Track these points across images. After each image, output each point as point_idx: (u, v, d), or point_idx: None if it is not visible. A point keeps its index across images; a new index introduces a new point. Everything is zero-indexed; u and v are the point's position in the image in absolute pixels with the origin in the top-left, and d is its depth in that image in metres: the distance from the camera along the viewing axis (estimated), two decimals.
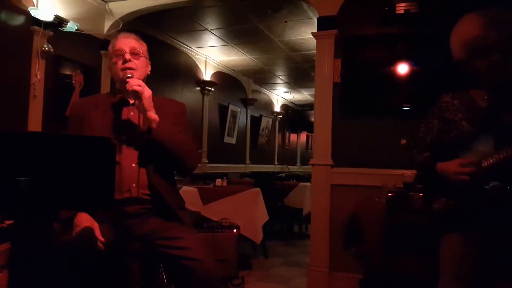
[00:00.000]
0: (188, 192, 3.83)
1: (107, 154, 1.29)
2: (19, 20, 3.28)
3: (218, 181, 4.34)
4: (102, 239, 1.54)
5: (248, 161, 7.98)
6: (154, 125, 1.67)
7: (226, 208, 3.84)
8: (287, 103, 10.38)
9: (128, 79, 1.68)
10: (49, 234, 1.95)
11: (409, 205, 2.61)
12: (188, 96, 5.97)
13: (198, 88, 6.27)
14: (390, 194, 2.69)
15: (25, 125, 3.33)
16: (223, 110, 7.02)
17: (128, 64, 1.74)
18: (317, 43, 3.44)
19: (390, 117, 3.17)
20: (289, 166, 8.83)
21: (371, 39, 3.27)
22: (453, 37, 1.58)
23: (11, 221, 2.01)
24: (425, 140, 1.76)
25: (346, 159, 3.29)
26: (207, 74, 6.41)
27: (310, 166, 3.47)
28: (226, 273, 3.17)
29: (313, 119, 3.50)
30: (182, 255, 1.63)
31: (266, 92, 9.08)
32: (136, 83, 1.66)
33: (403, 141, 3.02)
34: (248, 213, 3.92)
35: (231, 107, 7.20)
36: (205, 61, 6.38)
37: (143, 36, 1.91)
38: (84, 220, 1.58)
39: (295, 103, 10.75)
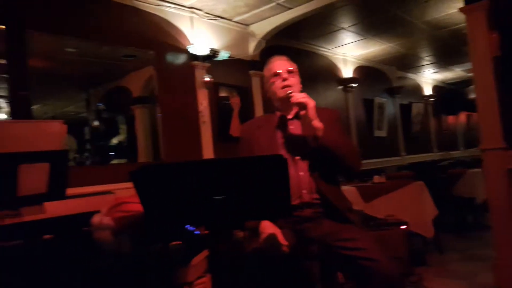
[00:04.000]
0: (348, 192, 3.86)
1: (281, 169, 1.44)
2: (182, 58, 3.83)
3: (376, 178, 4.27)
4: (286, 243, 1.70)
5: (403, 153, 7.61)
6: (320, 133, 1.77)
7: (390, 204, 3.76)
8: (438, 84, 9.57)
9: (291, 94, 1.84)
10: (240, 242, 2.24)
11: None
12: (331, 97, 6.03)
13: (340, 87, 6.29)
14: None
15: (199, 148, 3.85)
16: (368, 104, 6.88)
17: (286, 82, 1.91)
18: (467, 18, 3.15)
19: None
20: (450, 152, 8.13)
21: None
22: None
23: (207, 232, 2.35)
24: None
25: None
26: (347, 72, 6.39)
27: (476, 149, 3.18)
28: (400, 271, 3.11)
29: (471, 97, 3.20)
30: (358, 256, 1.67)
31: (412, 77, 8.56)
32: (300, 95, 1.81)
33: None
34: (415, 208, 3.77)
35: (376, 99, 7.01)
36: (344, 59, 6.36)
37: (282, 48, 2.09)
38: (267, 227, 1.76)
39: (447, 82, 9.84)
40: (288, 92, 1.86)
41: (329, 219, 1.84)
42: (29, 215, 1.68)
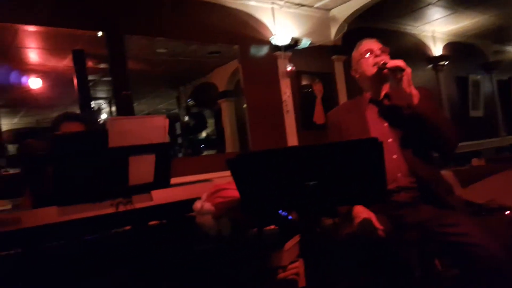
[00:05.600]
0: (443, 176, 3.67)
1: (376, 152, 1.42)
2: (265, 50, 3.90)
3: (475, 161, 3.99)
4: (381, 227, 1.67)
5: (503, 133, 6.98)
6: (416, 100, 1.71)
7: (491, 188, 3.48)
8: None
9: (386, 61, 1.79)
10: (330, 228, 2.24)
11: None
12: (420, 77, 5.72)
13: (430, 66, 5.94)
14: None
15: (284, 137, 3.90)
16: (462, 82, 6.40)
17: (379, 58, 1.86)
18: None
19: None
20: None
21: None
22: None
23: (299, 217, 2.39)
24: None
25: None
26: (437, 49, 6.01)
27: None
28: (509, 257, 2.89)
29: None
30: (461, 241, 1.60)
31: (511, 50, 7.77)
32: (397, 60, 1.75)
33: None
34: None
35: (471, 77, 6.50)
36: (432, 36, 5.99)
37: (366, 30, 2.04)
38: (361, 211, 1.74)
39: None
40: (382, 62, 1.81)
41: (427, 204, 1.78)
42: (139, 203, 1.84)
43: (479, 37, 6.71)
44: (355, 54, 1.99)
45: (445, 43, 6.16)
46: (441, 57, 5.97)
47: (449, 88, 6.13)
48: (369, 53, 1.90)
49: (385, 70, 1.80)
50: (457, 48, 6.41)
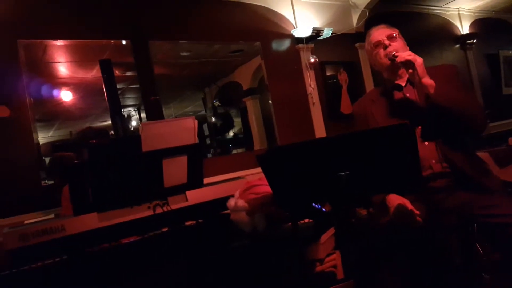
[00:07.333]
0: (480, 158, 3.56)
1: (409, 139, 1.39)
2: (287, 43, 3.89)
3: (511, 140, 3.85)
4: (417, 212, 1.64)
5: None
6: (431, 90, 1.68)
7: None
8: None
9: (396, 54, 1.77)
10: (364, 219, 2.23)
11: None
12: (449, 58, 5.56)
13: (457, 45, 5.76)
14: None
15: (311, 129, 3.88)
16: (492, 60, 6.17)
17: (389, 49, 1.84)
18: None
19: None
20: None
21: None
22: None
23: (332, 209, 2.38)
24: None
25: None
26: (464, 28, 5.81)
27: None
28: None
29: None
30: (503, 223, 1.57)
31: None
32: (406, 53, 1.73)
33: None
34: None
35: (501, 53, 6.25)
36: (458, 14, 5.80)
37: (388, 14, 1.98)
38: (394, 199, 1.72)
39: None
40: (392, 54, 1.78)
41: (464, 187, 1.74)
42: (175, 204, 1.89)
43: (509, 10, 6.44)
44: (367, 47, 1.98)
45: (472, 20, 5.96)
46: (468, 35, 5.77)
47: (480, 67, 5.92)
48: (378, 45, 1.87)
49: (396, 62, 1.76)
50: (485, 24, 6.18)
